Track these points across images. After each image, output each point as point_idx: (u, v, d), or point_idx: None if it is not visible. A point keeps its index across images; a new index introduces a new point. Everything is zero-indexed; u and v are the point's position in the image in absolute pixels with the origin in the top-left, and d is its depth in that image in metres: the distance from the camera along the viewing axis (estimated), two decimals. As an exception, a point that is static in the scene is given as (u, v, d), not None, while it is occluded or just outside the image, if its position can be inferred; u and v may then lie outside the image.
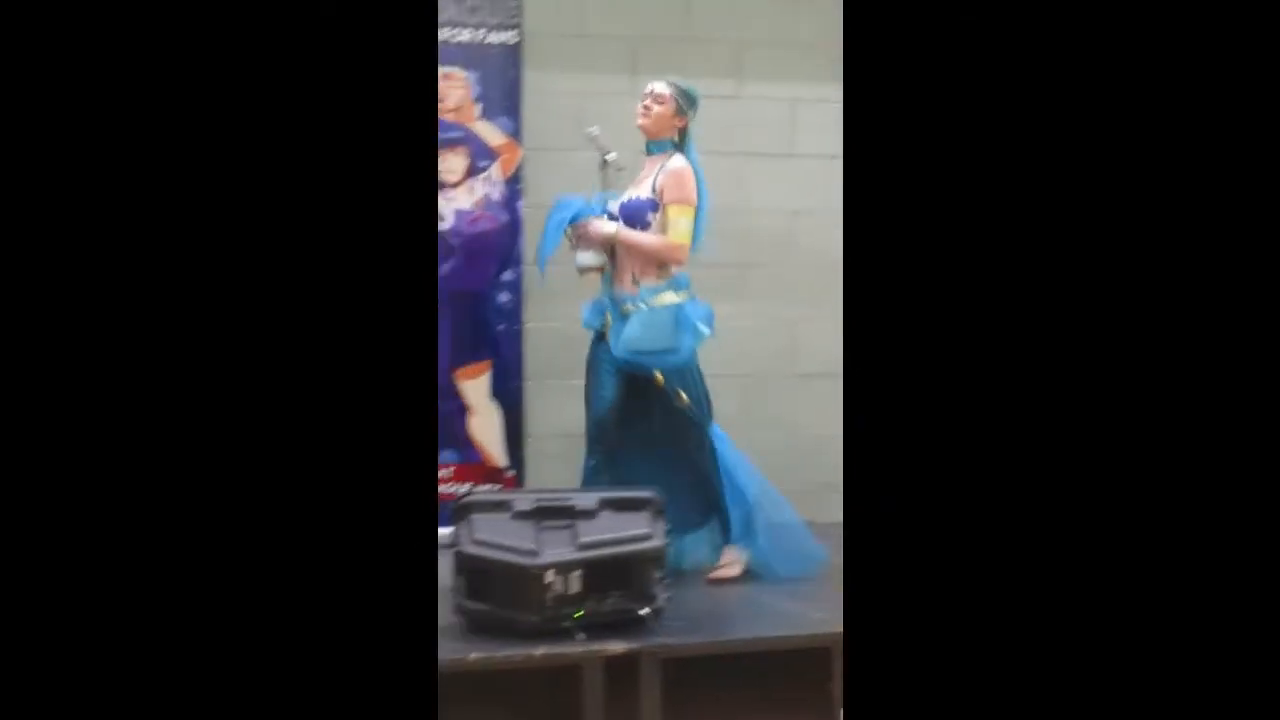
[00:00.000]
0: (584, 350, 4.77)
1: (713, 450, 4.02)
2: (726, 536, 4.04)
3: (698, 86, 4.08)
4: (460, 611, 3.30)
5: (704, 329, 3.98)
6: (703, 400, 4.04)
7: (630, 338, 3.93)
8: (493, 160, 4.72)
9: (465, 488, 4.60)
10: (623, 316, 3.96)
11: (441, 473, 4.69)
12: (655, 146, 4.03)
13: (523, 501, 3.41)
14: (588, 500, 3.40)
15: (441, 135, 4.65)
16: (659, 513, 3.41)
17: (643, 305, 3.95)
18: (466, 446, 4.70)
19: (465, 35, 4.69)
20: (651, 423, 4.03)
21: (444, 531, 3.74)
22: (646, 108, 3.99)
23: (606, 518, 3.35)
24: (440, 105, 4.66)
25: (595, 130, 4.20)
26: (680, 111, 4.01)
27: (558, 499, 3.42)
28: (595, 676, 3.09)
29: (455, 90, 4.68)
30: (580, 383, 4.52)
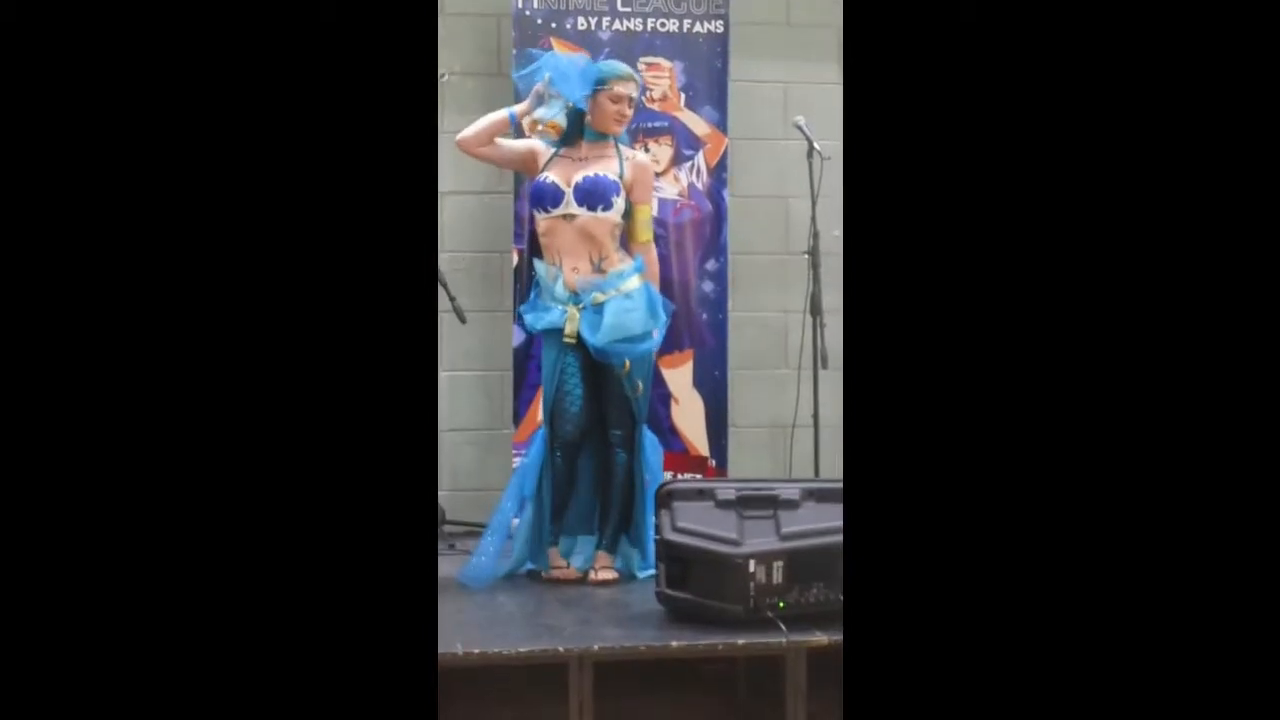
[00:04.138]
0: (790, 339, 4.74)
1: (640, 450, 3.88)
2: (604, 541, 3.89)
3: None
4: (661, 599, 3.31)
5: (664, 315, 3.87)
6: (648, 394, 3.91)
7: (611, 326, 3.73)
8: (698, 149, 4.72)
9: (667, 476, 4.61)
10: (593, 306, 3.75)
11: (645, 461, 4.72)
12: (597, 134, 3.85)
13: (725, 490, 3.40)
14: (791, 490, 3.37)
15: (648, 124, 4.67)
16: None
17: (613, 291, 3.77)
18: (670, 435, 4.72)
19: (671, 25, 4.70)
20: (605, 418, 3.87)
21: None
22: (623, 114, 3.85)
23: (810, 508, 3.31)
24: (646, 95, 4.69)
25: (801, 120, 4.32)
26: (634, 104, 3.92)
27: (761, 488, 3.40)
28: (798, 667, 3.07)
29: (661, 80, 4.70)
30: (784, 373, 4.48)
